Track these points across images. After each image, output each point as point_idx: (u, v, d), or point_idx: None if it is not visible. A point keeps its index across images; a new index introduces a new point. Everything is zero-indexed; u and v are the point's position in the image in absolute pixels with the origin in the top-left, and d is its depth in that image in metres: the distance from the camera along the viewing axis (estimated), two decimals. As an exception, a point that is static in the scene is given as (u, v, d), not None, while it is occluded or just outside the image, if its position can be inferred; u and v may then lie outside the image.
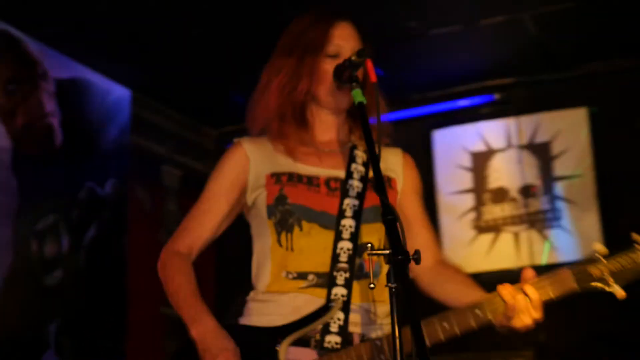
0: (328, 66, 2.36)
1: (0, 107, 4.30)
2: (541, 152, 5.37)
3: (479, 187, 5.46)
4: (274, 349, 2.19)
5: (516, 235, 5.25)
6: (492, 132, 5.51)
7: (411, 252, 2.18)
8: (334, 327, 2.22)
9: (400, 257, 1.84)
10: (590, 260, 2.09)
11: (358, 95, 2.20)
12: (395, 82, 5.41)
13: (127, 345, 4.97)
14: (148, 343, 5.25)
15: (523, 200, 5.31)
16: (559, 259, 5.06)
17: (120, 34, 4.64)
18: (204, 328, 2.21)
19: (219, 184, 2.43)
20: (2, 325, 4.17)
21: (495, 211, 5.38)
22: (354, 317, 2.25)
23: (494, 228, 5.34)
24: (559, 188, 5.26)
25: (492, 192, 5.42)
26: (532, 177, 5.34)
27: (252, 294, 2.38)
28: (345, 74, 2.29)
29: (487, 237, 5.33)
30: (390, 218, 1.90)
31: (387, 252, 1.88)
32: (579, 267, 2.10)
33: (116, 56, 4.93)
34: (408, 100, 5.60)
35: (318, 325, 2.21)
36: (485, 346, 4.57)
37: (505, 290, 2.14)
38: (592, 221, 5.02)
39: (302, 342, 2.22)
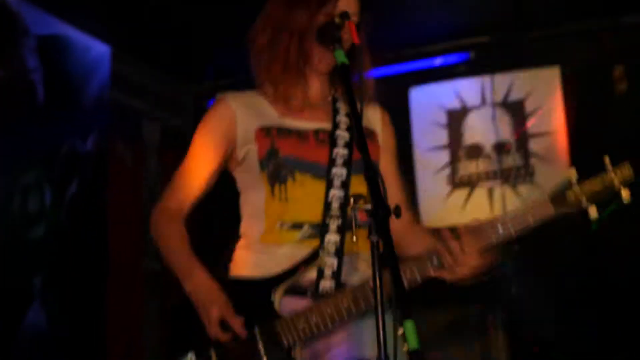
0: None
1: (-19, 64, 4.33)
2: (515, 110, 5.49)
3: (454, 144, 5.58)
4: (269, 300, 2.26)
5: (490, 191, 5.39)
6: (467, 89, 5.60)
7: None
8: (327, 273, 2.30)
9: (381, 211, 1.93)
10: (565, 185, 2.23)
11: (340, 56, 2.26)
12: (372, 39, 5.48)
13: (109, 297, 5.04)
14: (129, 295, 5.34)
15: (497, 157, 5.44)
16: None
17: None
18: (196, 282, 2.27)
19: (206, 140, 2.47)
20: (-12, 277, 4.23)
21: (469, 167, 5.51)
22: (347, 263, 2.33)
23: (469, 183, 5.47)
24: (532, 145, 5.40)
25: (467, 149, 5.55)
26: (506, 134, 5.47)
27: (243, 242, 2.44)
28: (328, 35, 2.35)
29: (462, 192, 5.46)
30: (372, 175, 1.98)
31: (369, 207, 1.96)
32: (555, 193, 2.23)
33: (96, 12, 4.93)
34: (385, 57, 5.67)
35: (309, 272, 2.29)
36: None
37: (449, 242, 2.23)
38: (563, 177, 5.15)
39: (299, 292, 2.30)
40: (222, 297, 2.25)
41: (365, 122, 2.47)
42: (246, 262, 2.41)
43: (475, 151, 5.51)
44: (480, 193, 5.40)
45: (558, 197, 2.22)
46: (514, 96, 5.50)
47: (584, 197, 2.21)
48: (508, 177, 5.35)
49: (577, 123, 5.27)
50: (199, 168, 2.46)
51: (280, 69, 2.44)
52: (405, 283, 2.23)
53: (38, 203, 4.60)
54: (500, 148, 5.44)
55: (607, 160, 2.23)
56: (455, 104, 5.63)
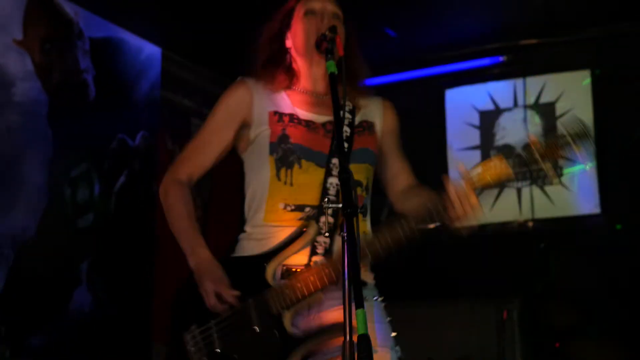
0: (303, 22, 2.66)
1: (37, 65, 4.66)
2: (546, 112, 5.62)
3: (486, 144, 5.74)
4: (262, 274, 2.49)
5: (519, 191, 5.53)
6: (500, 92, 5.77)
7: (384, 182, 2.68)
8: (320, 250, 2.51)
9: (349, 210, 2.14)
10: (524, 148, 2.40)
11: (331, 66, 2.43)
12: (410, 43, 5.69)
13: (156, 281, 5.35)
14: (175, 279, 5.62)
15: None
16: (558, 213, 5.33)
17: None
18: (198, 259, 2.52)
19: (222, 116, 2.67)
20: (38, 263, 4.57)
21: (500, 167, 5.64)
22: (338, 242, 2.49)
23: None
24: (561, 146, 5.50)
25: (498, 149, 5.70)
26: (537, 135, 5.58)
27: (247, 229, 2.63)
28: (322, 47, 2.55)
29: (491, 192, 5.57)
30: (344, 177, 2.17)
31: (340, 205, 2.17)
32: (514, 154, 2.41)
33: (147, 16, 5.25)
34: (422, 60, 5.87)
35: (299, 247, 2.49)
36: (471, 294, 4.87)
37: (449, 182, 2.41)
38: (590, 178, 5.27)
39: (290, 274, 2.49)
40: (219, 272, 2.49)
41: (365, 116, 2.75)
42: (252, 246, 2.59)
43: (506, 152, 5.64)
44: (509, 193, 5.54)
45: (516, 159, 2.42)
46: (545, 98, 5.63)
47: (540, 159, 2.39)
48: (537, 177, 5.47)
49: (605, 125, 5.37)
50: (212, 142, 2.66)
51: (269, 71, 2.68)
52: (409, 232, 2.42)
53: (87, 194, 4.94)
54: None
55: (561, 124, 2.39)
56: (488, 106, 5.79)
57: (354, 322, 1.91)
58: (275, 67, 2.70)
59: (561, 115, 5.55)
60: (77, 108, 4.95)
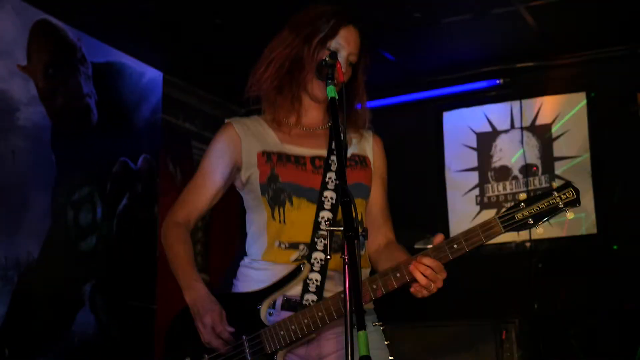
0: (321, 57, 2.61)
1: (41, 90, 4.73)
2: (542, 134, 5.70)
3: (484, 166, 5.81)
4: (256, 312, 2.53)
5: (516, 211, 5.57)
6: (497, 114, 5.84)
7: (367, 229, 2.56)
8: (312, 288, 2.54)
9: (350, 233, 2.18)
10: (514, 206, 2.40)
11: (331, 91, 2.47)
12: (408, 66, 5.78)
13: (158, 303, 5.40)
14: (177, 301, 5.67)
15: (524, 179, 5.64)
16: (554, 234, 5.38)
17: (152, 21, 5.02)
18: (195, 294, 2.54)
19: (213, 160, 2.71)
20: (41, 285, 4.62)
21: (497, 188, 5.73)
22: (330, 278, 2.56)
23: (496, 204, 5.68)
24: (558, 167, 5.59)
25: (495, 171, 5.78)
26: (533, 157, 5.67)
27: (246, 260, 2.69)
28: (323, 72, 2.57)
29: (489, 213, 5.63)
30: (346, 201, 2.19)
31: (341, 229, 2.21)
32: (505, 213, 2.40)
33: (149, 41, 5.33)
34: (420, 83, 5.95)
35: (296, 286, 2.54)
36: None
37: (413, 267, 2.39)
38: (587, 199, 5.33)
39: (290, 305, 2.55)
40: (216, 307, 2.51)
41: (359, 149, 2.77)
42: (250, 279, 2.65)
43: (503, 173, 5.73)
44: (507, 213, 5.59)
45: (508, 217, 2.42)
46: (542, 120, 5.71)
47: (531, 218, 2.42)
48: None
49: (600, 147, 5.44)
50: (205, 186, 2.71)
51: (274, 94, 2.69)
52: (373, 294, 2.46)
53: (90, 217, 5.00)
54: (527, 170, 5.64)
55: (554, 185, 2.42)
56: (485, 128, 5.87)
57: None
58: (282, 94, 2.70)
59: (557, 137, 5.63)
60: (80, 132, 5.02)
